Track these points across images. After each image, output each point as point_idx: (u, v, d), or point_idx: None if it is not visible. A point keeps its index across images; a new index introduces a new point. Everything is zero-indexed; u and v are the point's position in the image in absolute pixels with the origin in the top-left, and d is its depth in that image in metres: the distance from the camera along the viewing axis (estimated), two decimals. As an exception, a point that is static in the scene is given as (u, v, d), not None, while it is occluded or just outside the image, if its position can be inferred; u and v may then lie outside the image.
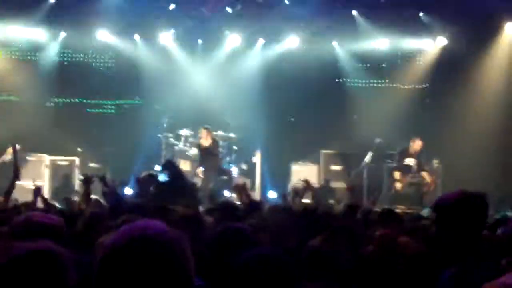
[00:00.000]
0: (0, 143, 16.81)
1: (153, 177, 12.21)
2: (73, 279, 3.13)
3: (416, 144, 17.63)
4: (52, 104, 20.62)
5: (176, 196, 9.87)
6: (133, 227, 2.72)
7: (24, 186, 15.92)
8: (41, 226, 5.02)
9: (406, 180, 17.47)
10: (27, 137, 17.22)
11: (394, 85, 21.16)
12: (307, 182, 12.33)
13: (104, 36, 19.82)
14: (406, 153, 17.72)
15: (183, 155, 18.39)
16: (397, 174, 17.61)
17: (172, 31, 20.06)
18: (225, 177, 17.99)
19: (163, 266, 2.62)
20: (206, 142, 17.87)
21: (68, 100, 20.70)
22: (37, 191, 11.54)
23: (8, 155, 16.14)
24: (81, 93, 20.60)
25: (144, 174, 15.71)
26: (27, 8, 18.62)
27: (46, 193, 16.91)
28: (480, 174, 17.16)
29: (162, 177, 12.22)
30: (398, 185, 17.45)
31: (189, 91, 20.20)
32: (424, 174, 17.60)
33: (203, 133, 17.96)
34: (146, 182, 11.75)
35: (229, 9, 19.28)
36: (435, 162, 18.37)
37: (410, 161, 17.61)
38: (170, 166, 12.80)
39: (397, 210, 14.98)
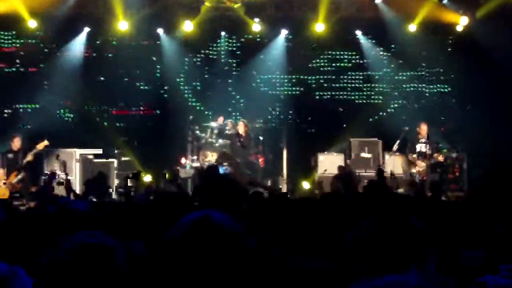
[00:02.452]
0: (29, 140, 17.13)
1: (216, 168, 12.33)
2: (125, 268, 3.15)
3: (422, 129, 17.59)
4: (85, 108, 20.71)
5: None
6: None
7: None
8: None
9: (424, 165, 17.37)
10: (57, 135, 17.51)
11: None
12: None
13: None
14: (416, 140, 17.66)
15: (210, 147, 18.40)
16: (413, 158, 17.54)
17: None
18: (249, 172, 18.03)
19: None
20: (241, 133, 18.00)
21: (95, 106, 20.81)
22: (67, 184, 11.72)
23: (41, 147, 16.41)
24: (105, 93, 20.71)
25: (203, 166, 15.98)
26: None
27: (78, 187, 17.15)
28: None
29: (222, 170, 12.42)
30: (416, 169, 17.39)
31: (213, 82, 20.44)
32: (437, 156, 17.42)
33: (240, 125, 18.07)
34: (209, 174, 11.81)
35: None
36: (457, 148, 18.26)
37: (421, 147, 17.55)
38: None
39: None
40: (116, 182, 17.88)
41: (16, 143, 16.93)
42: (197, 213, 2.95)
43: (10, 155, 16.84)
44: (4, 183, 16.35)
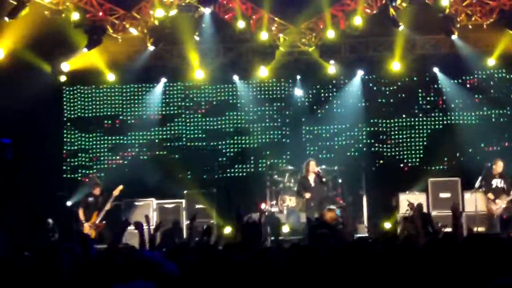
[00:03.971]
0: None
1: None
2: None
3: (498, 166, 17.21)
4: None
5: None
6: None
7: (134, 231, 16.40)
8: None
9: (502, 202, 16.89)
10: (133, 183, 17.85)
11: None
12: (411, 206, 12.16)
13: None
14: (491, 176, 17.23)
15: (288, 191, 18.31)
16: (491, 196, 17.07)
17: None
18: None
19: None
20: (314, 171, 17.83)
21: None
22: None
23: (116, 192, 16.81)
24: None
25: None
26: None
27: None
28: None
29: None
30: (494, 207, 16.88)
31: (290, 126, 20.54)
32: None
33: (311, 164, 17.90)
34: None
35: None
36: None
37: (497, 182, 17.14)
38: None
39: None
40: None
41: (97, 190, 17.65)
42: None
43: (91, 199, 17.47)
44: (89, 225, 16.88)
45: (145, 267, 5.15)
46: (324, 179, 17.67)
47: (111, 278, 5.11)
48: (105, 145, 20.78)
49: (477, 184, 17.18)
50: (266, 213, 17.76)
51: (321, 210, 16.80)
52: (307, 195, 17.48)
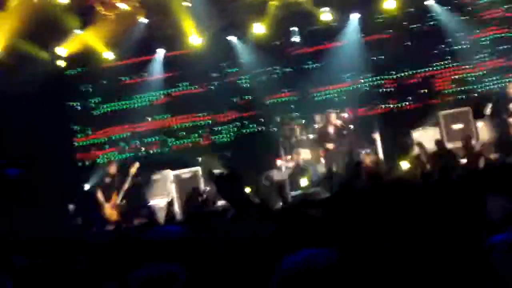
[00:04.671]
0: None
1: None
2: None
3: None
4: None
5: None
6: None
7: (156, 206, 16.54)
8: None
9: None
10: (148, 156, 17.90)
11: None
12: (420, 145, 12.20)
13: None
14: (507, 100, 16.97)
15: (302, 144, 18.33)
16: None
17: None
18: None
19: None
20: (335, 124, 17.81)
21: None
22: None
23: (134, 170, 16.78)
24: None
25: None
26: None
27: (177, 208, 17.33)
28: None
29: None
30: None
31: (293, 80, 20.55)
32: None
33: (332, 116, 17.86)
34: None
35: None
36: None
37: None
38: None
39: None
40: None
41: (113, 169, 17.40)
42: (299, 256, 2.94)
43: (108, 179, 17.32)
44: (110, 206, 16.88)
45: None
46: (345, 132, 17.70)
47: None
48: (113, 122, 20.82)
49: (487, 111, 17.14)
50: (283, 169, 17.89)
51: (342, 162, 16.95)
52: (330, 146, 17.49)
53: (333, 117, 17.75)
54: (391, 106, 20.45)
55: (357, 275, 2.93)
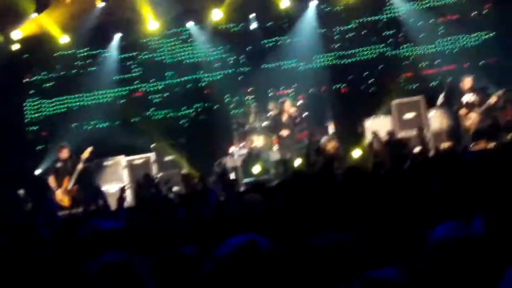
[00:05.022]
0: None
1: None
2: (151, 284, 3.25)
3: (467, 81, 16.97)
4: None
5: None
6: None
7: (108, 191, 16.45)
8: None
9: (475, 115, 16.87)
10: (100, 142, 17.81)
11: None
12: (375, 134, 12.29)
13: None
14: (460, 92, 17.04)
15: (255, 131, 18.33)
16: (463, 111, 16.99)
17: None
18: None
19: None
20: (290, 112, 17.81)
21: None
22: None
23: (86, 154, 16.69)
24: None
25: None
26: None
27: (128, 194, 17.29)
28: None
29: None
30: (468, 122, 16.89)
31: (249, 66, 20.72)
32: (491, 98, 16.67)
33: (287, 104, 17.87)
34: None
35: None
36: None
37: (468, 97, 16.97)
38: None
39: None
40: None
41: (64, 153, 17.20)
42: (240, 239, 3.01)
43: (59, 164, 17.18)
44: (61, 191, 16.80)
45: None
46: (298, 120, 17.74)
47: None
48: (67, 109, 20.72)
49: (439, 101, 17.23)
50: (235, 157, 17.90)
51: (293, 150, 17.06)
52: (284, 133, 17.53)
53: (287, 105, 17.74)
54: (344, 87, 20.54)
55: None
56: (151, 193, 15.62)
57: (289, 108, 17.72)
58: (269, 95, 19.24)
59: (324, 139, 16.69)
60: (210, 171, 16.82)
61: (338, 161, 14.77)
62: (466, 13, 20.22)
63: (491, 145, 14.35)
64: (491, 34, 20.13)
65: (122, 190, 12.82)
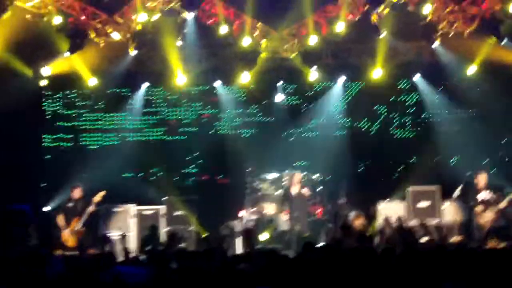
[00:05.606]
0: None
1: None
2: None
3: (482, 178, 16.98)
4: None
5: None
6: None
7: (112, 237, 16.46)
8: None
9: (491, 213, 16.78)
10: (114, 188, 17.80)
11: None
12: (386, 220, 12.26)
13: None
14: (476, 189, 17.00)
15: (267, 198, 18.32)
16: (479, 208, 16.90)
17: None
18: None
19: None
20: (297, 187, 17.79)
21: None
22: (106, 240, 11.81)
23: (98, 197, 16.67)
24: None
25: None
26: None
27: (133, 243, 17.26)
28: None
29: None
30: (483, 220, 16.80)
31: (271, 133, 20.66)
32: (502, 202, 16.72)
33: (296, 178, 17.85)
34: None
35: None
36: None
37: (484, 195, 16.93)
38: None
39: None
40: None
41: (77, 193, 17.26)
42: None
43: (70, 204, 17.19)
44: (68, 231, 16.73)
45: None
46: (306, 195, 17.76)
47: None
48: (86, 150, 20.80)
49: (456, 194, 17.17)
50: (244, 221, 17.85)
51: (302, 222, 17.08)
52: (282, 213, 17.67)
53: (296, 178, 17.76)
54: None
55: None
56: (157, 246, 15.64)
57: (299, 182, 17.74)
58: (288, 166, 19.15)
59: (352, 215, 16.67)
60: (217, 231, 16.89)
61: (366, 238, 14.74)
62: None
63: (502, 245, 14.21)
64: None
65: (123, 238, 12.82)
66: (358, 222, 16.04)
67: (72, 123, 21.18)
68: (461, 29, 18.97)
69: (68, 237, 16.82)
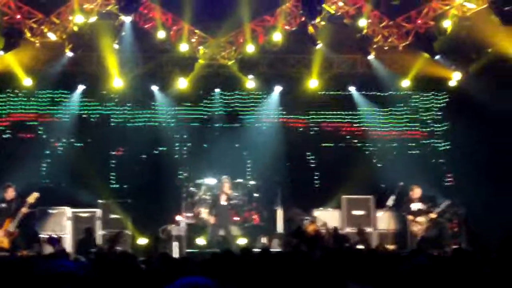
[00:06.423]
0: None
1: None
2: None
3: (416, 192, 17.47)
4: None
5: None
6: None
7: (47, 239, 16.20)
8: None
9: (423, 222, 17.23)
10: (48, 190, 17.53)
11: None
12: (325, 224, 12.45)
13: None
14: (409, 200, 17.49)
15: (203, 204, 18.37)
16: (411, 217, 17.36)
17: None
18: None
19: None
20: (227, 192, 17.85)
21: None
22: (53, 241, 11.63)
23: (31, 199, 16.33)
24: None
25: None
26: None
27: (69, 245, 17.05)
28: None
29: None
30: (415, 228, 17.24)
31: (208, 139, 20.70)
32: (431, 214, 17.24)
33: (225, 185, 17.93)
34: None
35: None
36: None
37: (417, 206, 17.40)
38: None
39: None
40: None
41: (10, 193, 16.77)
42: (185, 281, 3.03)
43: (3, 205, 16.73)
44: (1, 232, 16.29)
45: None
46: (231, 203, 17.91)
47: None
48: (20, 151, 20.39)
49: (389, 203, 17.55)
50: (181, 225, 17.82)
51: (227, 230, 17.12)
52: (212, 220, 17.60)
53: (225, 185, 17.83)
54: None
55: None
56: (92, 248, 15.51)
57: (227, 189, 17.79)
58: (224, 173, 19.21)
59: (306, 221, 16.91)
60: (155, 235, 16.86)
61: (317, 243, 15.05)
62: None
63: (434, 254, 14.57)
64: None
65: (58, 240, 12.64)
66: (311, 228, 16.27)
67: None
68: (395, 43, 19.46)
69: (1, 238, 16.38)
